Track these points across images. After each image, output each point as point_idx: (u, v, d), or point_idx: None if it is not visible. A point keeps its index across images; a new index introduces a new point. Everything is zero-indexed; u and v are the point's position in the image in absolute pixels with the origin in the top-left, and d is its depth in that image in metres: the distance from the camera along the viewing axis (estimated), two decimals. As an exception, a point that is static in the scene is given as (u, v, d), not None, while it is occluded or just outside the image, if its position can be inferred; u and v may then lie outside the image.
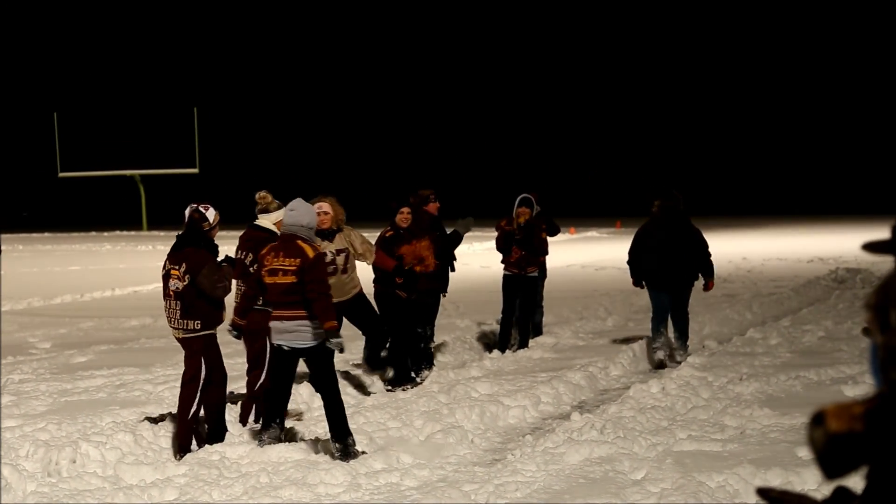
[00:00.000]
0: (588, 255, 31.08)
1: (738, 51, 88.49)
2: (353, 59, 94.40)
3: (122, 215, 69.54)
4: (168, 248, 8.65)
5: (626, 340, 13.73)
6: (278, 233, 9.31)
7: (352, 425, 8.94)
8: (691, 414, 9.24)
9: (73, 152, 60.77)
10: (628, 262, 12.77)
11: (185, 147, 59.99)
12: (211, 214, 8.50)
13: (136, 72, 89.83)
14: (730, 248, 32.69)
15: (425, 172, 79.51)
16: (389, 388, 11.11)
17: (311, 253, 8.07)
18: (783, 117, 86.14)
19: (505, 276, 13.34)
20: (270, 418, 8.28)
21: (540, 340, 13.99)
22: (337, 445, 8.07)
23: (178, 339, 8.49)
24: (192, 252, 8.38)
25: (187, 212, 8.50)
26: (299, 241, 8.11)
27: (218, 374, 8.48)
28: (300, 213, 8.19)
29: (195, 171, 59.77)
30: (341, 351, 8.17)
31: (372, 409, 9.64)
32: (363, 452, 8.12)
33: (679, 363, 12.23)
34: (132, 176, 62.04)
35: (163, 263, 8.63)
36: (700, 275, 12.64)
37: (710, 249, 12.53)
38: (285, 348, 8.13)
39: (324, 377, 8.16)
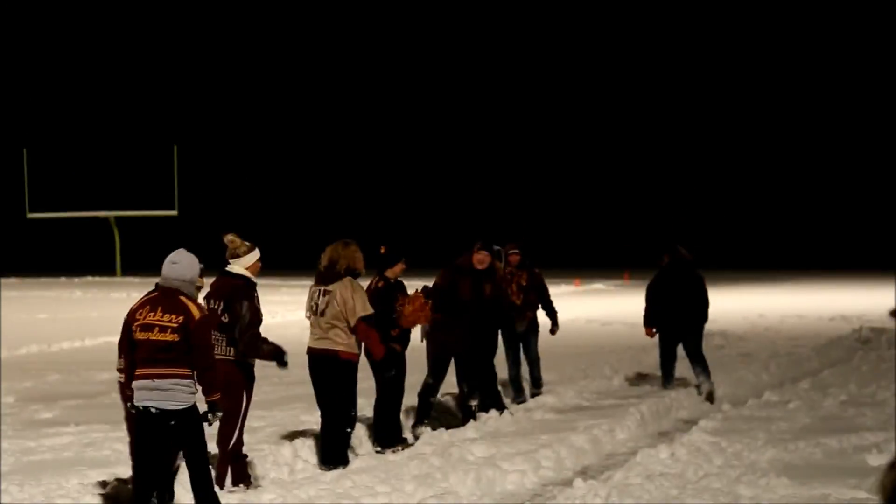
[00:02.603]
0: (594, 309, 31.06)
1: (740, 97, 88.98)
2: (339, 99, 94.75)
3: (94, 260, 69.45)
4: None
5: (634, 402, 13.69)
6: (252, 278, 9.31)
7: (337, 490, 8.90)
8: (703, 482, 9.21)
9: (42, 191, 60.87)
10: (646, 309, 14.78)
11: (164, 187, 60.12)
12: None
13: (111, 106, 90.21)
14: (745, 303, 32.69)
15: (409, 217, 79.58)
16: (378, 449, 11.09)
17: (196, 313, 7.89)
18: (801, 165, 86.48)
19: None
20: None
21: (541, 400, 13.98)
22: None
23: None
24: None
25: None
26: (182, 298, 7.94)
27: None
28: (183, 267, 8.02)
29: (174, 213, 59.88)
30: (210, 424, 8.10)
31: (359, 473, 9.60)
32: None
33: (711, 394, 14.37)
34: (106, 218, 62.13)
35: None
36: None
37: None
38: (153, 411, 7.83)
39: (196, 444, 7.90)
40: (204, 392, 7.95)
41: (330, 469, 9.99)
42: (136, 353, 7.94)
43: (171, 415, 7.82)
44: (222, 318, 9.13)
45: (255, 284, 9.36)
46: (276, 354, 9.32)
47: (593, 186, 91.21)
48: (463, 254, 12.50)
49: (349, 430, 10.39)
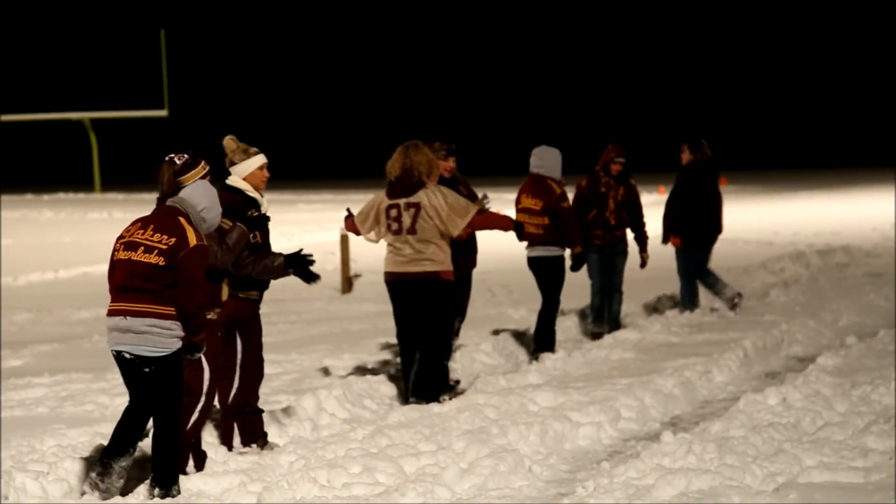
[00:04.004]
0: (683, 223, 30.89)
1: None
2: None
3: (67, 172, 69.95)
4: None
5: (734, 336, 13.66)
6: (251, 193, 9.22)
7: (371, 449, 8.94)
8: (823, 433, 9.18)
9: (2, 91, 61.16)
10: (668, 216, 15.70)
11: (150, 82, 60.21)
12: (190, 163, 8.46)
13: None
14: (874, 210, 32.39)
15: (441, 119, 79.31)
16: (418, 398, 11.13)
17: (192, 239, 7.87)
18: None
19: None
20: (114, 455, 7.96)
21: (620, 336, 13.97)
22: (158, 491, 7.90)
23: None
24: None
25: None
26: (181, 219, 7.94)
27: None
28: (199, 196, 8.07)
29: (163, 113, 60.01)
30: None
31: (397, 428, 9.64)
32: None
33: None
34: (80, 120, 62.40)
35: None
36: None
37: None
38: (127, 356, 7.87)
39: (168, 398, 7.93)
40: (184, 330, 7.92)
41: (422, 403, 10.59)
42: (111, 279, 7.96)
43: (147, 361, 7.85)
44: (225, 242, 9.12)
45: (253, 201, 9.21)
46: (291, 261, 9.21)
47: (678, 71, 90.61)
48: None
49: (447, 361, 11.17)
